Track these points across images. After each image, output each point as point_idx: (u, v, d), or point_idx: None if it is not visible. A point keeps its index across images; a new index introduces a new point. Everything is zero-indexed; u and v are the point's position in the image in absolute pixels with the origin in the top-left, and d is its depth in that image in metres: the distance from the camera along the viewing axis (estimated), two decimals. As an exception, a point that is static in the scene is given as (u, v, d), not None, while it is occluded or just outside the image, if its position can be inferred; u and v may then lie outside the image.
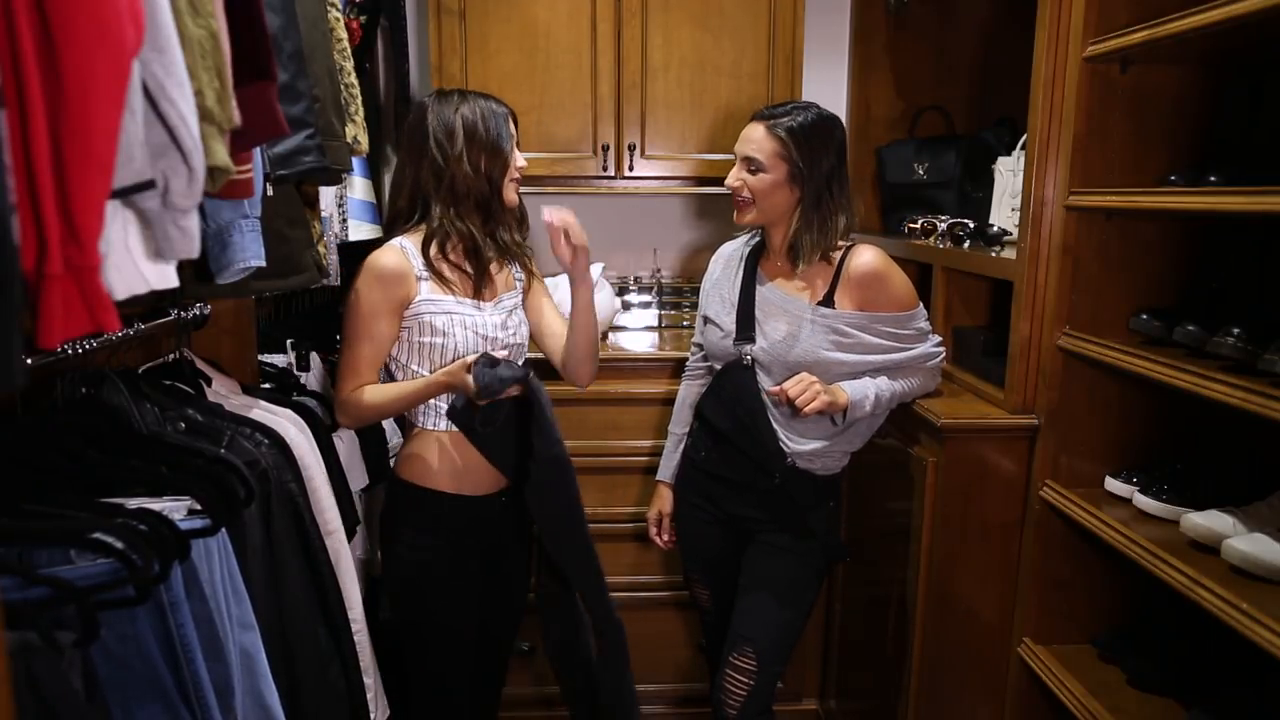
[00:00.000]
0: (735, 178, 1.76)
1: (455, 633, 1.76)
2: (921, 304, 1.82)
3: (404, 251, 1.67)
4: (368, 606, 1.72)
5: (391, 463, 1.92)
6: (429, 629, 1.75)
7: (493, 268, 1.74)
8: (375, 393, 1.67)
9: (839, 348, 1.74)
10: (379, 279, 1.64)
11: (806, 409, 1.66)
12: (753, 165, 1.73)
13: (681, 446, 2.00)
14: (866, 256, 1.75)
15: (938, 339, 1.85)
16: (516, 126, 1.75)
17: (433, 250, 1.68)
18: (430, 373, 1.68)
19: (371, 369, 1.68)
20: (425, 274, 1.67)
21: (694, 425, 1.95)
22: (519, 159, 1.74)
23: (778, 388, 1.69)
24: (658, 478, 2.05)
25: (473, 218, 1.70)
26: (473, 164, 1.67)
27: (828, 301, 1.76)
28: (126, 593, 0.96)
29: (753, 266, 1.84)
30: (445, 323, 1.67)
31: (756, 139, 1.72)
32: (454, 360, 1.66)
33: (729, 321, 1.82)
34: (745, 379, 1.79)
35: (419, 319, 1.67)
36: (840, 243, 1.77)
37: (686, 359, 2.07)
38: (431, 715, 1.80)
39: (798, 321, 1.75)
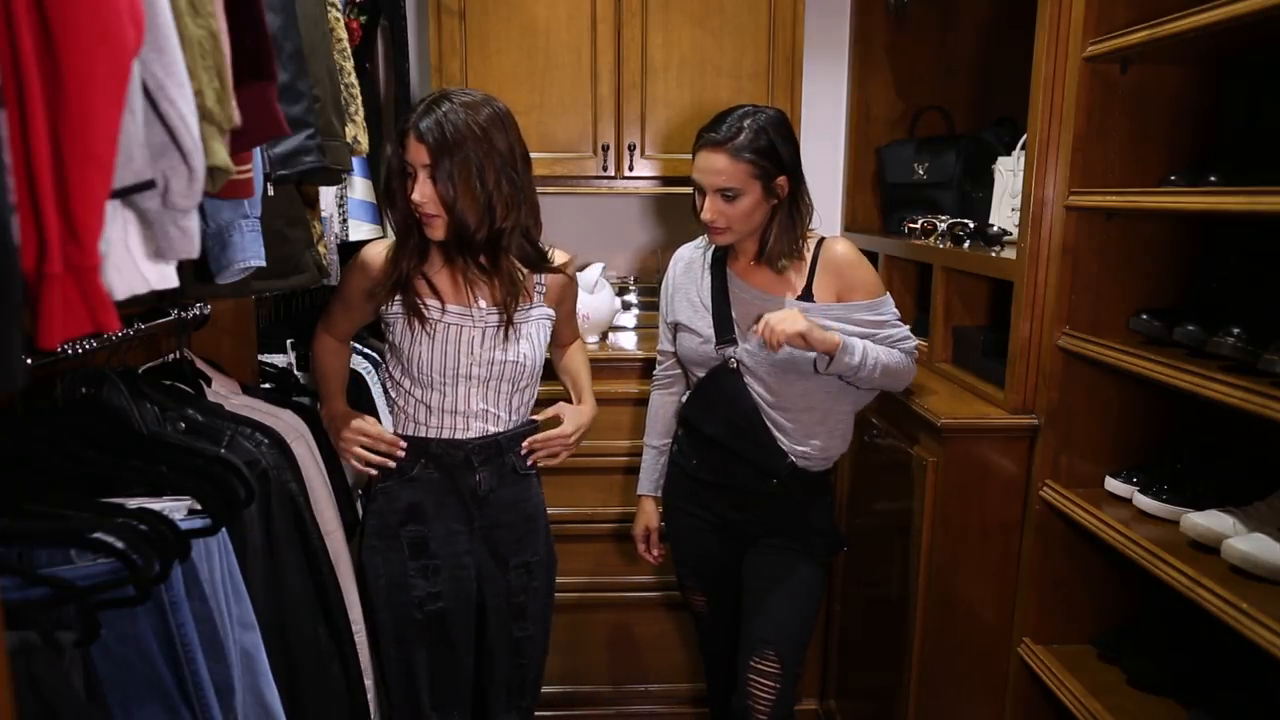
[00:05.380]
0: (712, 211, 1.68)
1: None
2: (887, 292, 1.81)
3: (389, 249, 1.67)
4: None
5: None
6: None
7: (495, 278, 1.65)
8: (321, 354, 1.77)
9: None
10: (358, 268, 1.70)
11: (783, 334, 1.59)
12: (728, 193, 1.67)
13: (663, 459, 1.98)
14: (841, 248, 1.77)
15: (907, 326, 1.82)
16: (425, 140, 1.52)
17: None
18: (404, 378, 1.68)
19: (340, 324, 1.77)
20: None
21: (678, 433, 1.94)
22: (411, 191, 1.55)
23: (760, 325, 1.63)
24: (640, 492, 2.02)
25: (401, 240, 1.62)
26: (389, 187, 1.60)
27: (806, 294, 1.75)
28: (127, 592, 0.96)
29: (720, 268, 1.82)
30: (415, 326, 1.64)
31: (723, 169, 1.66)
32: (414, 365, 1.65)
33: (705, 326, 1.80)
34: (733, 382, 1.78)
35: (395, 316, 1.66)
36: (809, 234, 1.77)
37: None
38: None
39: None
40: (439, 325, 1.64)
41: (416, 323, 1.63)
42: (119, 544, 0.96)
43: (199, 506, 1.12)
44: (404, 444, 1.67)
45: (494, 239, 1.61)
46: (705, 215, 1.71)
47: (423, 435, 1.68)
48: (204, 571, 1.11)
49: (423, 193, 1.54)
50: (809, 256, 1.77)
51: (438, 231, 1.58)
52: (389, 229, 2.68)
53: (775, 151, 1.67)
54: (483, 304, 1.65)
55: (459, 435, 1.68)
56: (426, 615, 1.69)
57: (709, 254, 1.85)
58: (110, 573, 0.96)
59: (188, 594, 1.06)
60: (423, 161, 1.54)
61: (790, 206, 1.73)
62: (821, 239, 1.79)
